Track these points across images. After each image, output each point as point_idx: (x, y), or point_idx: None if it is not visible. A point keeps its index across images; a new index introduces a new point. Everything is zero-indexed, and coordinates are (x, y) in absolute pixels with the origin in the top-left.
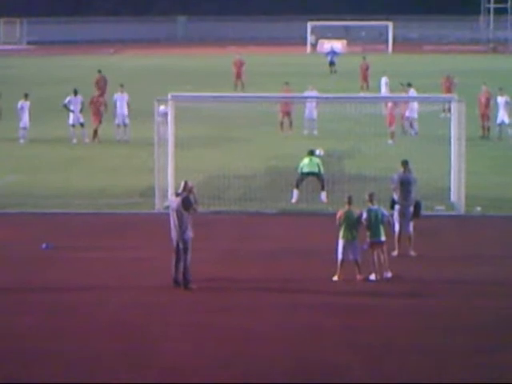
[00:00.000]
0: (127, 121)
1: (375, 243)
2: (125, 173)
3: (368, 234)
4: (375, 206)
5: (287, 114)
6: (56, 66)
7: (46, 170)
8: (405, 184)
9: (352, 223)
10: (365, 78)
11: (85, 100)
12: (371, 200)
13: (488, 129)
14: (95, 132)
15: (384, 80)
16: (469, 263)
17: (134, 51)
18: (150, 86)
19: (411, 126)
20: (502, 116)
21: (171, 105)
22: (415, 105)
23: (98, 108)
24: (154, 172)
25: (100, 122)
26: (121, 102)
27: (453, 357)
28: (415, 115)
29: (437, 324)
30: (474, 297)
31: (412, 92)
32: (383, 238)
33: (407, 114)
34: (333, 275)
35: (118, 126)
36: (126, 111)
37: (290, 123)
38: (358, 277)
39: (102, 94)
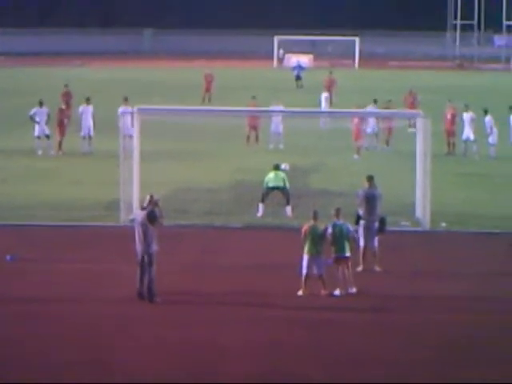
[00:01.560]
0: (92, 133)
1: (340, 258)
2: (90, 185)
3: (333, 249)
4: (340, 221)
5: (254, 128)
6: (22, 77)
7: (10, 182)
8: (370, 199)
9: (317, 238)
10: (330, 93)
11: (51, 111)
12: (337, 215)
13: (453, 145)
14: (60, 144)
15: (324, 96)
16: (433, 279)
17: (101, 63)
18: (116, 99)
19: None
20: (468, 133)
21: (137, 118)
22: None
23: (63, 120)
24: (119, 185)
25: (64, 134)
26: (86, 114)
27: (415, 371)
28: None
29: (401, 339)
30: (437, 312)
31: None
32: (348, 254)
33: (369, 129)
34: (297, 290)
35: (84, 138)
36: (91, 123)
37: (257, 137)
38: (323, 292)
39: (67, 107)
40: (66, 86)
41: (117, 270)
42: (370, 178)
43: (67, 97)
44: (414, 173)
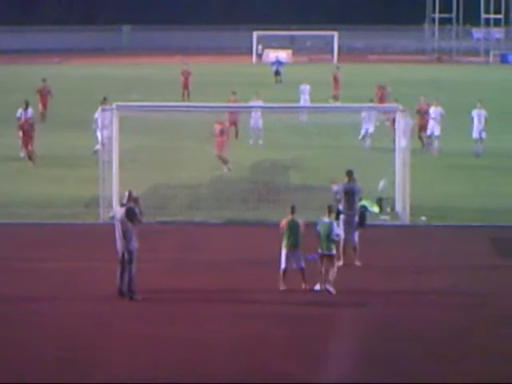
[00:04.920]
0: None
1: (325, 256)
2: (70, 183)
3: (319, 245)
4: (327, 220)
5: (234, 123)
6: (1, 76)
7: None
8: (349, 194)
9: (295, 232)
10: (337, 88)
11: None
12: (329, 212)
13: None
14: (29, 157)
15: (302, 88)
16: (413, 273)
17: (80, 60)
18: (95, 96)
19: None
20: (477, 131)
21: (116, 114)
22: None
23: (27, 130)
24: (99, 182)
25: (31, 145)
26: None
27: (393, 365)
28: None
29: (380, 333)
30: (417, 306)
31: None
32: (333, 252)
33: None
34: (279, 285)
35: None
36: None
37: (237, 133)
38: (303, 286)
39: (43, 104)
40: (43, 80)
41: (97, 268)
42: (350, 173)
43: (44, 92)
44: (393, 167)
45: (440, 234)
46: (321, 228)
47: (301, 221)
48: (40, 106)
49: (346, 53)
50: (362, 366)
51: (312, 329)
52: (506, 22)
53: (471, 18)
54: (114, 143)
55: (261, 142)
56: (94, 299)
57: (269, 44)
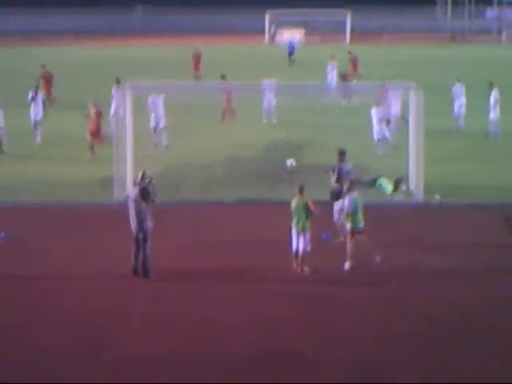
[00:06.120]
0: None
1: (355, 231)
2: (84, 162)
3: (349, 222)
4: (354, 194)
5: (228, 103)
6: (11, 58)
7: (3, 160)
8: (344, 174)
9: (302, 213)
10: (355, 70)
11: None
12: (351, 188)
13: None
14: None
15: (329, 66)
16: (427, 251)
17: (90, 42)
18: (107, 78)
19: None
20: (493, 112)
21: (129, 94)
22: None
23: None
24: (113, 162)
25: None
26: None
27: (409, 346)
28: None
29: (395, 312)
30: (432, 285)
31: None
32: (361, 225)
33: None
34: (293, 266)
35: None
36: (162, 113)
37: (233, 112)
38: (299, 268)
39: (48, 89)
40: (43, 66)
41: (111, 246)
42: (341, 153)
43: (46, 78)
44: (407, 145)
45: (453, 212)
46: (351, 204)
47: (309, 201)
48: (45, 91)
49: (360, 33)
50: (371, 347)
51: (325, 309)
52: None
53: None
54: (128, 123)
55: (274, 121)
56: (108, 278)
57: (281, 24)
